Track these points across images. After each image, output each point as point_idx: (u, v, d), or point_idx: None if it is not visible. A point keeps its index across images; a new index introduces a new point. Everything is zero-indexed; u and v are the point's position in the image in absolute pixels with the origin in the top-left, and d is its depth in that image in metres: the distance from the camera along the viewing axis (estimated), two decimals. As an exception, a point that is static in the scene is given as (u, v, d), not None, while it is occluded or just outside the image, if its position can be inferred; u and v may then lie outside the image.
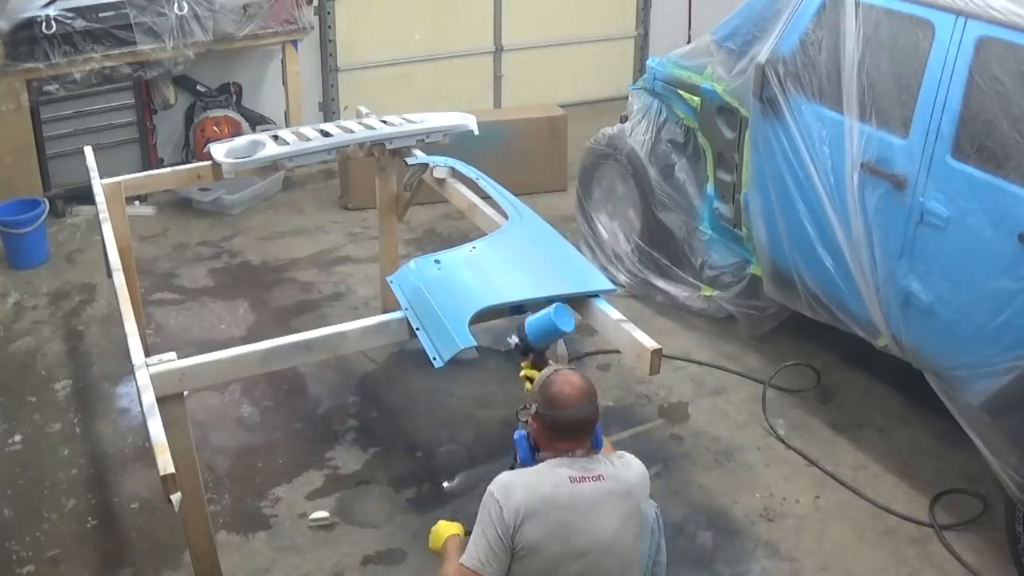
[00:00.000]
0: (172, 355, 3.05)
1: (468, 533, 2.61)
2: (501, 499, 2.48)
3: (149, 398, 2.84)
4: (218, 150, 4.38)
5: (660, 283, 5.13)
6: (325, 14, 7.13)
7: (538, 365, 3.11)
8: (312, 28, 6.81)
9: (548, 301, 3.43)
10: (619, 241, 5.43)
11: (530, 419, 2.70)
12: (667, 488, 3.91)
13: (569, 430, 2.61)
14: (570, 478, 2.54)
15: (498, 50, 7.91)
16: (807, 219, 4.03)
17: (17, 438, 4.22)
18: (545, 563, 2.49)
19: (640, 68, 8.32)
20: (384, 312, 4.01)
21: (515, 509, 2.47)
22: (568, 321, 3.08)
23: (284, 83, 6.90)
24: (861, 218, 3.76)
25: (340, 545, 3.63)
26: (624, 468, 2.67)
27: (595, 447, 2.68)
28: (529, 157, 6.45)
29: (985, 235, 3.36)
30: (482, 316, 3.31)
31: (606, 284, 3.50)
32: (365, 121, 4.75)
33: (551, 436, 2.63)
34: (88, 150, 4.69)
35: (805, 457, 4.07)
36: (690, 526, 3.71)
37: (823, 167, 3.91)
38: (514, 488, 2.50)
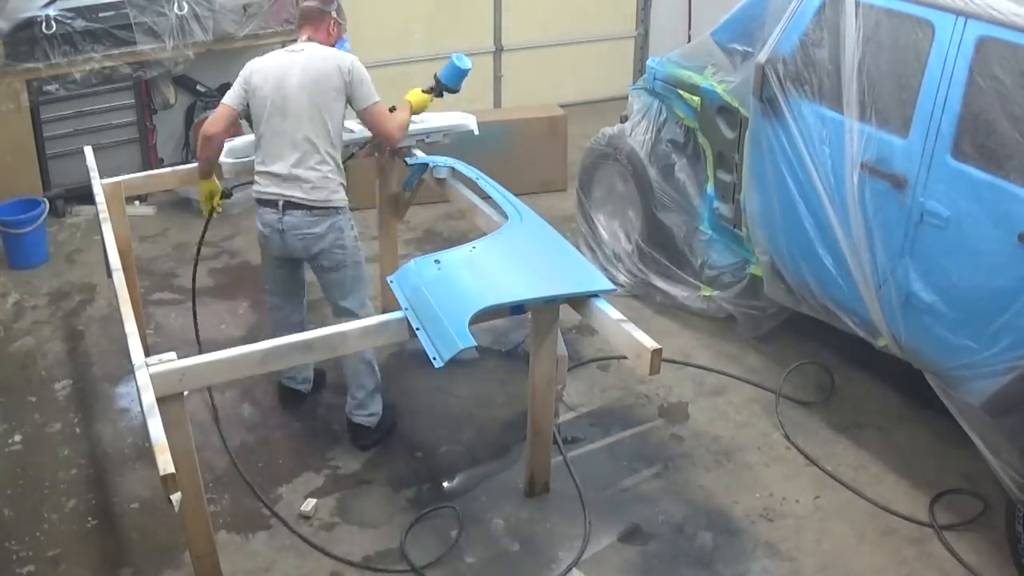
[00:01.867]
0: (172, 355, 3.05)
1: None
2: (247, 65, 3.92)
3: (149, 398, 2.85)
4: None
5: (660, 283, 5.13)
6: (325, 14, 7.12)
7: (438, 95, 4.32)
8: (312, 28, 6.80)
9: (548, 301, 3.44)
10: (619, 241, 5.43)
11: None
12: (667, 488, 3.91)
13: (302, 21, 4.02)
14: (287, 51, 3.92)
15: (498, 50, 7.91)
16: (807, 219, 4.04)
17: (17, 438, 4.22)
18: (263, 95, 3.82)
19: (640, 68, 8.32)
20: (384, 312, 4.01)
21: (248, 68, 3.90)
22: (463, 59, 4.28)
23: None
24: (861, 218, 3.76)
25: (340, 545, 3.63)
26: (320, 55, 3.86)
27: (339, 46, 4.04)
28: (529, 157, 6.45)
29: (985, 235, 3.36)
30: (482, 316, 3.31)
31: (606, 284, 3.50)
32: (365, 121, 4.75)
33: (297, 29, 4.05)
34: (88, 150, 4.70)
35: (806, 457, 4.08)
36: (690, 526, 3.71)
37: (823, 167, 3.91)
38: (254, 59, 3.93)
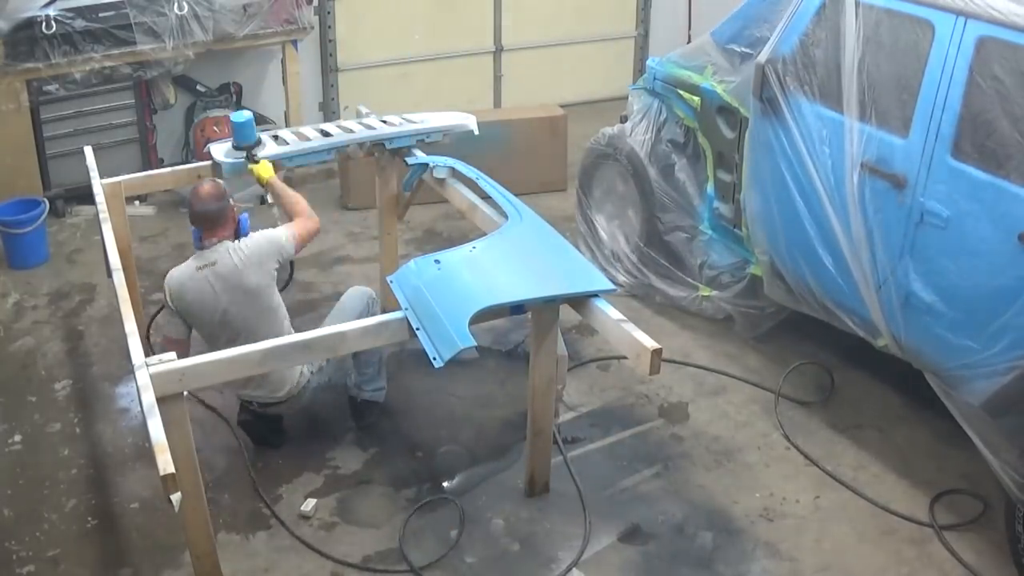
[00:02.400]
0: (172, 355, 3.05)
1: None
2: (166, 287, 3.80)
3: (149, 398, 2.85)
4: (218, 150, 4.38)
5: (659, 283, 5.13)
6: (325, 14, 7.13)
7: (255, 161, 4.21)
8: (312, 28, 6.80)
9: (548, 301, 3.44)
10: (619, 241, 5.43)
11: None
12: (667, 488, 3.91)
13: (200, 222, 3.81)
14: (196, 268, 3.76)
15: (498, 50, 7.91)
16: (807, 219, 4.03)
17: (17, 438, 4.22)
18: (201, 322, 3.77)
19: (640, 68, 8.32)
20: (384, 312, 4.01)
21: (170, 293, 3.79)
22: (239, 114, 4.23)
23: (284, 83, 6.90)
24: (861, 218, 3.76)
25: (340, 545, 3.63)
26: (232, 254, 3.75)
27: (240, 235, 3.85)
28: (529, 157, 6.45)
29: (985, 235, 3.36)
30: (482, 316, 3.31)
31: (606, 284, 3.50)
32: (365, 121, 4.75)
33: (203, 232, 3.83)
34: (88, 150, 4.70)
35: (806, 457, 4.08)
36: (690, 526, 3.71)
37: (823, 167, 3.91)
38: (170, 279, 3.81)
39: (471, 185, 4.41)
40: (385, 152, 4.64)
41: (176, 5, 5.99)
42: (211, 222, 3.80)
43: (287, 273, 4.42)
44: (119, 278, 3.64)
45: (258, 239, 3.83)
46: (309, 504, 3.79)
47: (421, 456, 4.10)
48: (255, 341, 3.41)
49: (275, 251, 3.82)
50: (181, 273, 3.79)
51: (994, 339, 3.34)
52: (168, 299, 3.80)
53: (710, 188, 4.83)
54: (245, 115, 4.24)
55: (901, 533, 3.69)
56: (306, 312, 5.18)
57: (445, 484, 3.93)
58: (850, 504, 3.83)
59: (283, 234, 3.88)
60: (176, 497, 2.60)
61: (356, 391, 4.20)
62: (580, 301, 3.44)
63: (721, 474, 4.00)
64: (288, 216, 4.08)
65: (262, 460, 4.07)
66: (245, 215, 3.97)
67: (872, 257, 3.77)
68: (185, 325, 3.81)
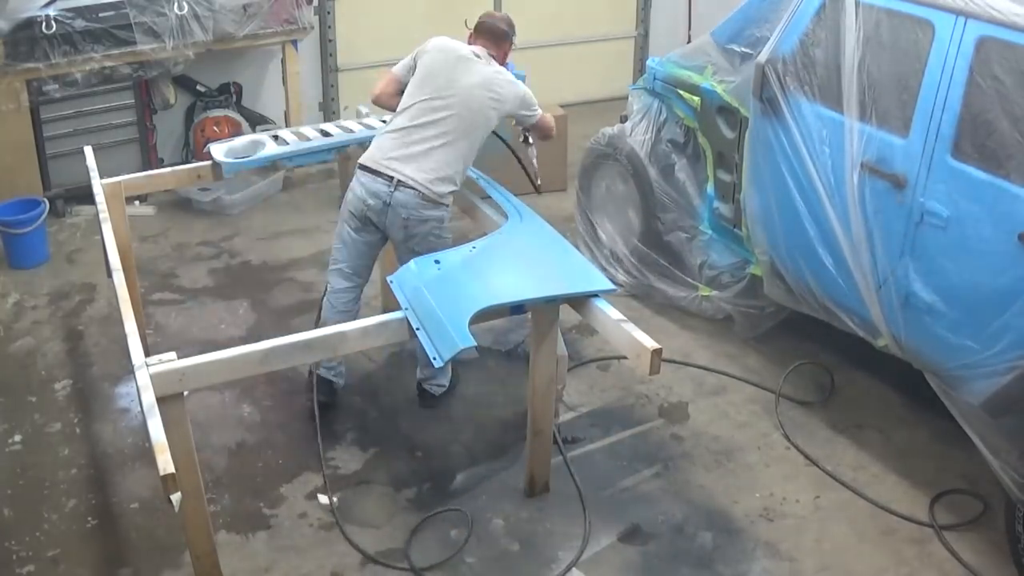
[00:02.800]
0: (172, 355, 3.05)
1: None
2: (428, 43, 4.12)
3: (149, 398, 2.85)
4: (218, 150, 4.39)
5: (659, 283, 5.13)
6: (325, 14, 7.13)
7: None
8: (312, 28, 6.80)
9: (548, 301, 3.44)
10: (619, 241, 5.43)
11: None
12: (667, 488, 3.91)
13: (483, 32, 4.20)
14: (474, 53, 4.07)
15: (498, 50, 7.90)
16: (807, 219, 4.04)
17: (17, 438, 4.22)
18: (431, 67, 4.01)
19: (640, 68, 8.32)
20: (384, 312, 4.01)
21: (432, 46, 4.08)
22: None
23: (284, 83, 6.90)
24: (861, 218, 3.76)
25: (340, 545, 3.63)
26: (491, 69, 4.04)
27: (508, 69, 4.20)
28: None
29: (985, 235, 3.36)
30: (482, 316, 3.31)
31: (606, 284, 3.50)
32: (365, 121, 4.76)
33: (476, 34, 4.24)
34: (88, 150, 4.69)
35: (806, 457, 4.08)
36: (690, 526, 3.71)
37: (823, 167, 3.91)
38: (432, 40, 4.15)
39: (471, 185, 4.41)
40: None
41: (176, 5, 5.99)
42: (492, 35, 4.16)
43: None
44: (119, 278, 3.64)
45: (518, 86, 4.08)
46: (324, 500, 3.81)
47: (421, 456, 4.10)
48: (444, 142, 3.86)
49: (519, 100, 4.04)
50: (454, 40, 4.14)
51: (994, 339, 3.34)
52: (421, 46, 4.11)
53: (710, 188, 4.83)
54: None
55: (901, 533, 3.69)
56: (306, 312, 5.18)
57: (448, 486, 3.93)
58: (850, 504, 3.83)
59: (533, 101, 4.11)
60: (176, 497, 2.60)
61: (421, 377, 4.36)
62: (580, 301, 3.45)
63: (721, 474, 4.00)
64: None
65: (262, 460, 4.07)
66: (512, 64, 4.33)
67: (872, 257, 3.77)
68: (413, 68, 4.06)
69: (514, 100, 4.04)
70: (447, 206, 3.97)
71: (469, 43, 4.17)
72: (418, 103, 3.96)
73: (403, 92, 4.07)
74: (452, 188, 3.97)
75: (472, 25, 4.26)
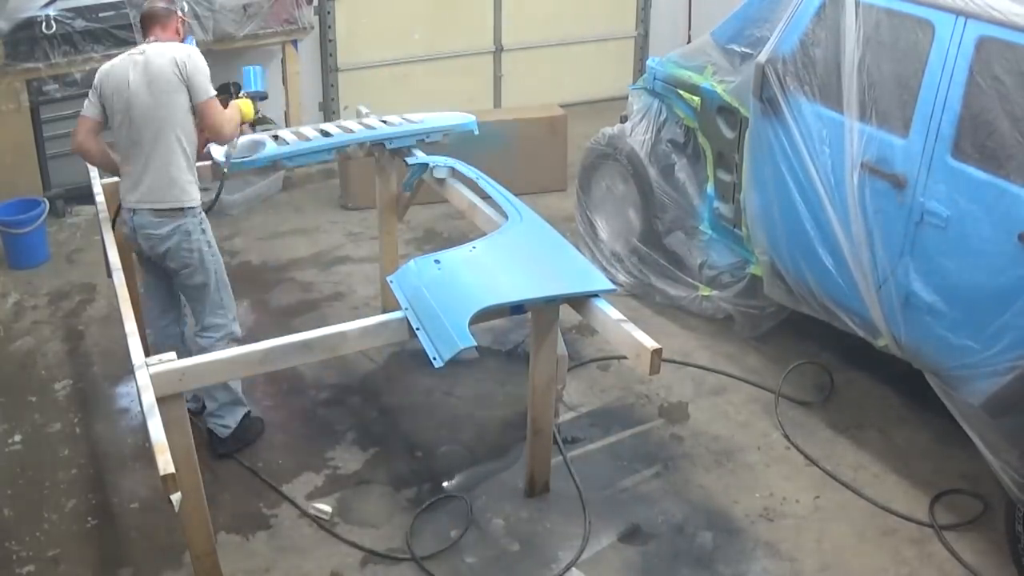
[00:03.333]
0: (172, 355, 3.05)
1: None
2: (97, 74, 3.92)
3: (149, 398, 2.85)
4: (218, 150, 4.38)
5: (659, 283, 5.13)
6: (325, 14, 7.13)
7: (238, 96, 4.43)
8: (312, 28, 6.81)
9: (548, 301, 3.44)
10: (619, 241, 5.43)
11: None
12: (667, 488, 3.91)
13: (146, 24, 4.01)
14: (128, 54, 3.89)
15: (498, 50, 7.91)
16: (807, 219, 4.04)
17: (17, 438, 4.22)
18: (117, 104, 3.83)
19: (640, 68, 8.33)
20: (384, 312, 4.01)
21: (98, 77, 3.90)
22: (249, 68, 4.62)
23: (284, 83, 6.90)
24: (861, 218, 3.76)
25: (340, 545, 3.63)
26: (161, 54, 3.82)
27: (185, 42, 4.07)
28: (529, 157, 6.45)
29: (985, 235, 3.36)
30: (482, 316, 3.31)
31: (606, 284, 3.50)
32: (365, 121, 4.76)
33: (142, 31, 4.05)
34: (88, 150, 4.68)
35: (806, 457, 4.08)
36: (690, 526, 3.71)
37: (823, 167, 3.91)
38: (103, 65, 3.95)
39: (471, 185, 4.41)
40: (385, 152, 4.64)
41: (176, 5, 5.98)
42: (154, 19, 3.97)
43: (212, 196, 4.36)
44: (119, 278, 3.64)
45: (198, 63, 3.85)
46: (324, 507, 3.79)
47: (421, 456, 4.10)
48: (145, 156, 3.76)
49: (183, 66, 3.78)
50: (114, 60, 3.92)
51: (994, 339, 3.34)
52: (94, 82, 3.91)
53: (710, 188, 4.83)
54: (257, 68, 4.61)
55: (901, 533, 3.69)
56: (306, 312, 5.19)
57: (445, 484, 3.93)
58: (850, 504, 3.83)
59: (210, 90, 3.90)
60: (176, 497, 2.60)
61: (206, 417, 4.10)
62: (580, 301, 3.45)
63: (721, 474, 4.00)
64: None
65: (262, 460, 4.07)
66: (191, 37, 4.14)
67: (872, 257, 3.77)
68: (101, 108, 3.89)
69: (173, 67, 3.77)
70: (187, 211, 3.82)
71: (146, 40, 3.97)
72: (119, 138, 3.88)
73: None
74: (185, 186, 3.82)
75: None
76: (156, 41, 3.90)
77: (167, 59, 3.78)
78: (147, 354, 3.11)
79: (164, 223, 3.80)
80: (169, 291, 4.11)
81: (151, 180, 3.79)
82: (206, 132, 3.95)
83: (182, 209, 3.82)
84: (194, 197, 3.86)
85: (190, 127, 3.85)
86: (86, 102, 3.94)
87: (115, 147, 3.93)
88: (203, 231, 3.90)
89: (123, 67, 3.83)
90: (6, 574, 3.49)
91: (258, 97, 4.46)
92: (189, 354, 3.42)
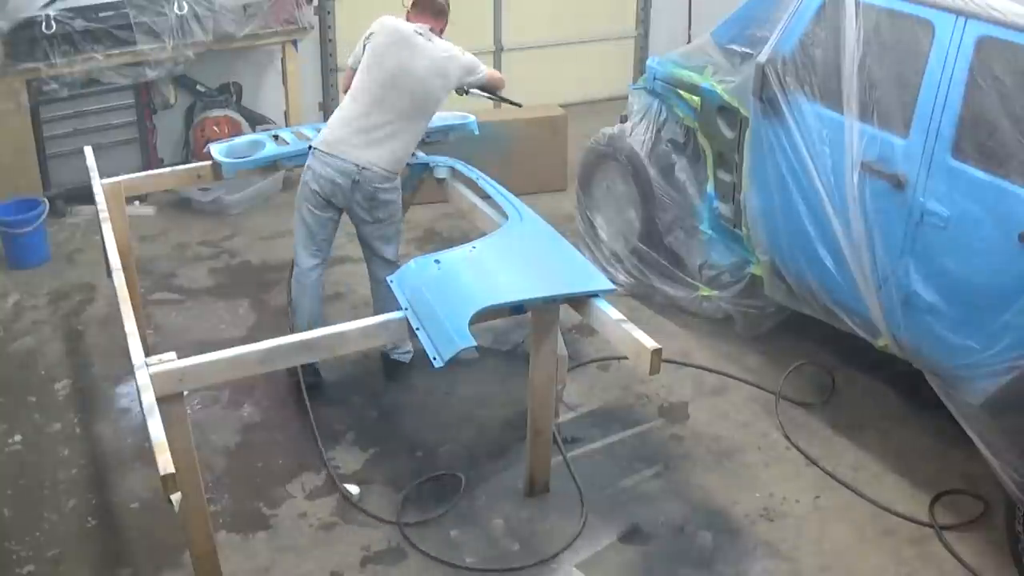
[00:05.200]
0: (172, 355, 3.05)
1: None
2: (377, 23, 4.24)
3: (149, 398, 2.85)
4: (218, 150, 4.39)
5: (659, 283, 5.13)
6: (325, 14, 7.13)
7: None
8: (312, 28, 6.80)
9: (548, 301, 3.44)
10: (619, 241, 5.43)
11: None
12: (667, 488, 3.91)
13: (424, 8, 4.27)
14: (412, 26, 4.19)
15: (498, 50, 7.91)
16: (807, 219, 4.04)
17: (17, 438, 4.22)
18: (389, 60, 4.09)
19: (640, 68, 8.32)
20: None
21: (374, 24, 4.21)
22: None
23: (284, 83, 6.90)
24: (861, 218, 3.76)
25: (340, 545, 3.63)
26: (436, 42, 4.18)
27: (435, 34, 4.26)
28: (529, 157, 6.45)
29: (985, 235, 3.36)
30: (482, 316, 3.31)
31: (606, 284, 3.50)
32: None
33: (415, 11, 4.30)
34: (88, 150, 4.70)
35: (806, 457, 4.08)
36: (690, 526, 3.71)
37: (823, 167, 3.91)
38: (383, 18, 4.26)
39: (471, 185, 4.41)
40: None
41: (176, 5, 5.99)
42: (434, 11, 4.26)
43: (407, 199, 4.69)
44: (119, 278, 3.64)
45: (461, 59, 4.21)
46: (355, 489, 3.87)
47: (421, 456, 4.10)
48: (396, 124, 4.05)
49: (464, 71, 4.22)
50: (397, 20, 4.22)
51: (994, 339, 3.34)
52: (369, 31, 4.24)
53: (710, 188, 4.83)
54: None
55: (901, 533, 3.69)
56: (306, 312, 5.18)
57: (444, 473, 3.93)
58: (850, 504, 3.83)
59: (475, 65, 4.27)
60: (176, 497, 2.60)
61: (388, 349, 4.49)
62: (580, 301, 3.44)
63: (721, 474, 4.00)
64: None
65: (262, 460, 4.07)
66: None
67: (872, 257, 3.77)
68: (362, 51, 4.21)
69: (458, 72, 4.21)
70: (398, 176, 4.22)
71: (408, 20, 4.25)
72: (372, 88, 4.12)
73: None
74: (407, 162, 4.30)
75: (409, 2, 4.34)
76: (430, 31, 4.21)
77: (454, 59, 4.18)
78: (147, 354, 3.11)
79: (389, 181, 4.15)
80: (333, 234, 4.37)
81: (392, 151, 4.10)
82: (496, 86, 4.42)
83: (397, 175, 4.21)
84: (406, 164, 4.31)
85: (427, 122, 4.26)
86: (352, 55, 4.29)
87: (351, 93, 4.18)
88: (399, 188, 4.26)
89: (409, 36, 4.13)
90: (6, 574, 3.49)
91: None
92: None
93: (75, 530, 3.70)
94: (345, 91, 4.30)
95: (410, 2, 4.31)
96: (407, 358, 4.52)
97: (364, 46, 4.21)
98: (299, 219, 4.27)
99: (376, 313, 4.24)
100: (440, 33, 4.30)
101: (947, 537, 3.63)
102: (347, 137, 4.09)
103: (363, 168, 4.07)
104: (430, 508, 3.78)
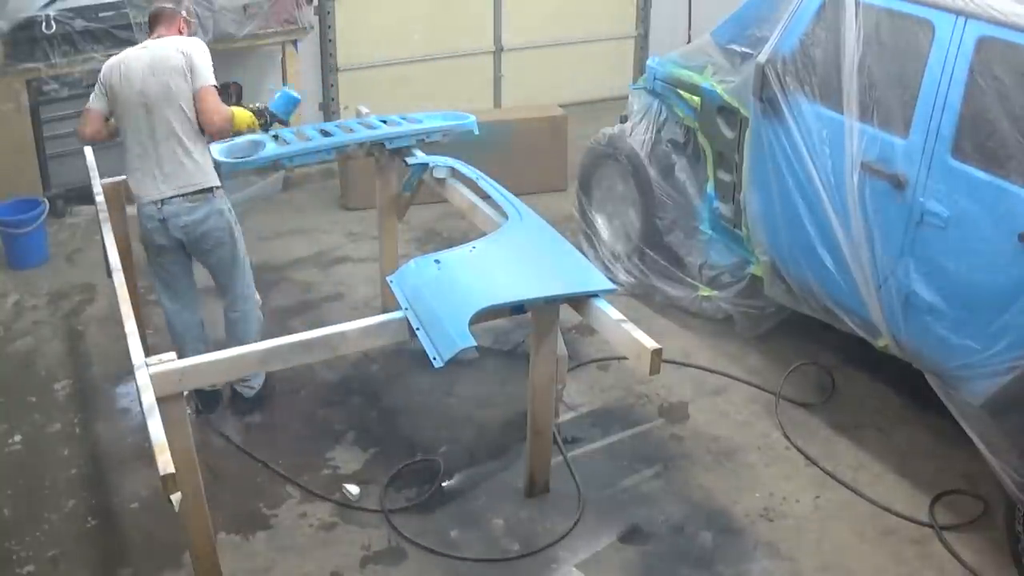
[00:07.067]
0: (172, 355, 3.05)
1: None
2: (104, 65, 4.01)
3: (149, 398, 2.85)
4: (218, 150, 4.38)
5: (660, 283, 5.13)
6: (325, 14, 7.13)
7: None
8: (312, 28, 6.80)
9: (548, 301, 3.44)
10: (619, 241, 5.43)
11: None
12: (667, 488, 3.91)
13: (153, 23, 4.13)
14: (139, 47, 4.00)
15: (498, 50, 7.91)
16: (807, 219, 4.04)
17: (17, 438, 4.22)
18: (126, 96, 3.90)
19: (640, 68, 8.32)
20: (384, 312, 4.01)
21: (106, 66, 3.97)
22: (293, 91, 4.57)
23: (284, 83, 6.89)
24: (861, 218, 3.76)
25: (340, 545, 3.63)
26: (168, 47, 3.98)
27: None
28: (529, 157, 6.45)
29: (985, 235, 3.36)
30: (482, 316, 3.31)
31: (606, 284, 3.50)
32: (365, 121, 4.76)
33: (150, 28, 4.15)
34: (88, 150, 4.69)
35: (806, 457, 4.08)
36: (690, 526, 3.71)
37: (823, 167, 3.91)
38: (111, 58, 4.01)
39: (471, 185, 4.41)
40: (385, 152, 4.64)
41: (176, 5, 5.98)
42: (159, 18, 4.12)
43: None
44: (119, 278, 3.64)
45: (200, 49, 4.02)
46: (355, 489, 3.87)
47: (421, 456, 4.10)
48: (161, 145, 3.87)
49: (201, 69, 3.96)
50: (123, 53, 4.02)
51: (994, 339, 3.34)
52: (101, 73, 4.01)
53: (710, 188, 4.83)
54: (298, 96, 4.58)
55: (901, 533, 3.69)
56: (306, 312, 5.18)
57: (445, 484, 3.93)
58: (850, 504, 3.83)
59: (211, 78, 4.01)
60: (176, 497, 2.60)
61: (236, 380, 4.27)
62: (580, 301, 3.44)
63: (721, 474, 4.00)
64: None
65: (262, 460, 4.07)
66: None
67: (872, 257, 3.77)
68: (106, 100, 3.98)
69: (185, 63, 3.94)
70: (218, 188, 4.01)
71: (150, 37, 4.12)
72: (129, 128, 3.95)
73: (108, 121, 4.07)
74: (208, 168, 3.99)
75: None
76: (160, 37, 4.05)
77: (171, 47, 3.95)
78: (147, 354, 3.11)
79: (198, 207, 3.94)
80: (192, 284, 4.23)
81: (173, 168, 3.91)
82: (200, 116, 3.96)
83: (211, 189, 3.97)
84: (216, 176, 4.00)
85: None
86: (92, 96, 4.04)
87: (124, 143, 4.00)
88: (229, 208, 4.07)
89: (129, 59, 3.95)
90: (6, 574, 3.49)
91: (271, 117, 4.46)
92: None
93: (75, 530, 3.71)
94: (92, 137, 4.17)
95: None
96: (250, 393, 4.32)
97: (104, 95, 4.01)
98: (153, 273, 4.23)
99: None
100: (181, 30, 4.19)
101: (947, 537, 3.63)
102: (142, 187, 4.02)
103: (162, 204, 3.96)
104: (414, 497, 3.82)
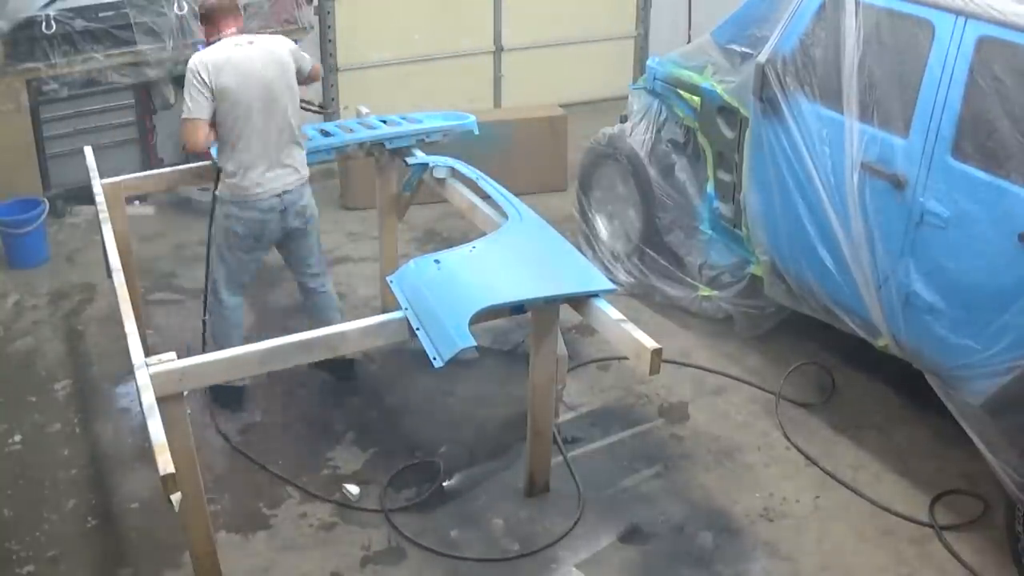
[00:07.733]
0: (172, 355, 3.05)
1: None
2: (198, 66, 3.84)
3: (149, 398, 2.85)
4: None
5: (659, 283, 5.13)
6: (325, 14, 7.12)
7: None
8: (312, 28, 6.80)
9: (548, 301, 3.44)
10: (619, 241, 5.43)
11: (200, 28, 4.22)
12: (667, 488, 3.91)
13: (221, 11, 4.00)
14: (234, 44, 3.92)
15: (498, 50, 7.91)
16: (807, 219, 4.04)
17: (17, 438, 4.22)
18: (246, 93, 3.87)
19: (640, 68, 8.32)
20: (384, 312, 4.01)
21: (207, 67, 3.83)
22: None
23: (284, 83, 6.89)
24: (861, 218, 3.76)
25: (340, 545, 3.63)
26: (271, 42, 4.04)
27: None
28: (529, 157, 6.45)
29: (985, 235, 3.36)
30: (482, 316, 3.31)
31: (606, 284, 3.50)
32: (365, 121, 4.76)
33: (215, 25, 4.01)
34: (88, 150, 4.70)
35: (806, 457, 4.08)
36: (690, 526, 3.71)
37: (823, 167, 3.91)
38: (204, 58, 3.86)
39: (471, 185, 4.41)
40: (385, 152, 4.64)
41: (176, 5, 5.99)
42: (231, 12, 4.03)
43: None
44: (119, 278, 3.64)
45: (287, 45, 4.09)
46: (355, 489, 3.87)
47: (421, 456, 4.10)
48: (282, 136, 3.95)
49: (296, 57, 4.09)
50: (217, 51, 3.89)
51: (994, 339, 3.34)
52: (203, 75, 3.82)
53: (710, 188, 4.83)
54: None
55: (901, 533, 3.69)
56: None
57: (445, 484, 3.93)
58: (850, 504, 3.83)
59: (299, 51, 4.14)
60: (176, 497, 2.60)
61: None
62: (580, 301, 3.44)
63: (721, 474, 4.00)
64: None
65: (262, 459, 4.07)
66: None
67: (872, 257, 3.77)
68: (210, 99, 3.84)
69: (291, 55, 4.06)
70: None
71: (210, 39, 4.01)
72: (248, 126, 3.93)
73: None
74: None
75: (201, 19, 4.10)
76: (240, 32, 4.05)
77: (268, 41, 4.03)
78: (147, 354, 3.11)
79: (306, 188, 4.17)
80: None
81: (292, 157, 4.06)
82: (311, 80, 4.29)
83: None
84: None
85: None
86: (193, 105, 3.85)
87: (235, 144, 3.93)
88: None
89: (236, 59, 3.87)
90: (6, 574, 3.49)
91: None
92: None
93: (75, 530, 3.71)
94: (205, 147, 4.10)
95: (201, 19, 4.13)
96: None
97: (206, 89, 3.88)
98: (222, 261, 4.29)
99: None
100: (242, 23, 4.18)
101: (947, 537, 3.63)
102: (257, 178, 4.05)
103: (284, 193, 4.07)
104: (414, 497, 3.82)
